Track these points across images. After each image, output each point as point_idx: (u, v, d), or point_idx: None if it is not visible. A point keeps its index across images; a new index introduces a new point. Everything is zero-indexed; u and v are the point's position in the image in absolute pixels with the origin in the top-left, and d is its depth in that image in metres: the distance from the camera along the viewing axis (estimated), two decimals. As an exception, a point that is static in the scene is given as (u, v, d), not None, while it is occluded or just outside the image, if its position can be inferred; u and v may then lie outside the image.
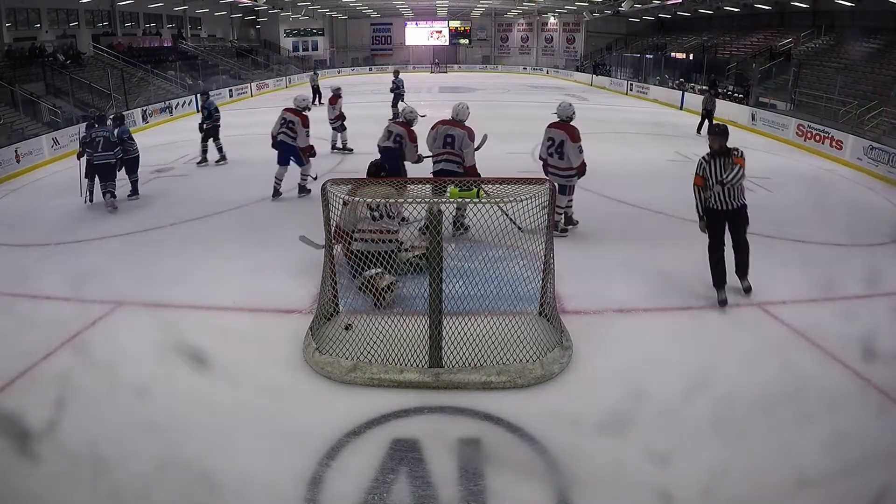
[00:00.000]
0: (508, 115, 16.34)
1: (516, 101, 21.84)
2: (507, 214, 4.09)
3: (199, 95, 11.44)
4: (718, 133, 4.83)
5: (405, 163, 6.87)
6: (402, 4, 38.84)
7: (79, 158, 8.19)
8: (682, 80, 22.32)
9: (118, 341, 4.43)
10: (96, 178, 7.87)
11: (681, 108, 19.79)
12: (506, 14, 42.05)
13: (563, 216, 6.54)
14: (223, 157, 10.49)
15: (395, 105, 15.22)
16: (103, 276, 5.55)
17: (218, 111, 10.43)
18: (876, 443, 3.32)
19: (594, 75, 30.50)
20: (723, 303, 4.84)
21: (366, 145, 10.75)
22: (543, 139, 6.44)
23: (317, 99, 18.17)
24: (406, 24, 43.50)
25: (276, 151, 7.97)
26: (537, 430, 3.35)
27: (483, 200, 4.05)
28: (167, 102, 17.83)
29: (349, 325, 4.29)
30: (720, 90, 17.71)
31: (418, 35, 43.69)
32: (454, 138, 6.23)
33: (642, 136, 14.41)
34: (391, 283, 4.69)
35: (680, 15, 31.00)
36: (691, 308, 4.89)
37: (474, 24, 43.35)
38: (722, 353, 4.29)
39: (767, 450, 3.24)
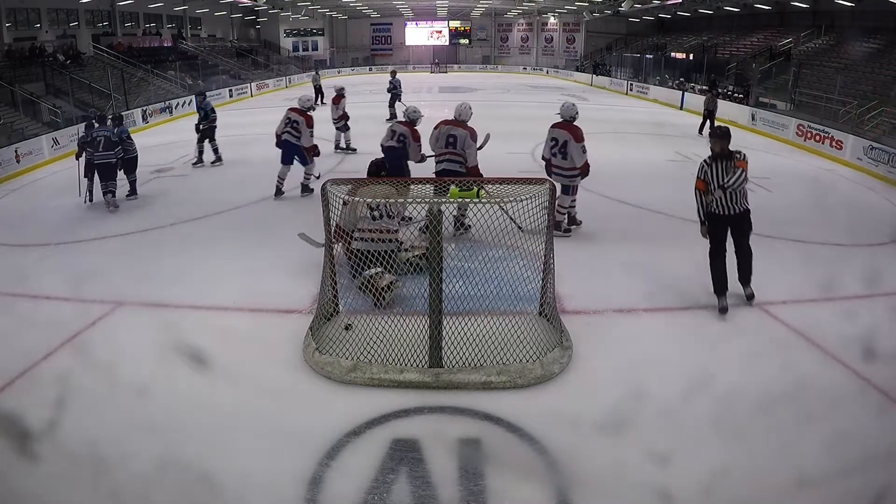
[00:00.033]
0: (508, 115, 16.34)
1: (516, 101, 21.84)
2: (508, 215, 4.10)
3: (196, 96, 11.41)
4: (720, 135, 4.71)
5: (409, 162, 6.89)
6: (402, 4, 38.84)
7: (77, 158, 8.20)
8: (682, 79, 22.31)
9: (118, 341, 4.43)
10: (96, 178, 7.89)
11: (681, 108, 19.79)
12: (506, 14, 42.04)
13: (566, 216, 6.54)
14: (219, 159, 10.46)
15: (392, 105, 15.22)
16: (103, 276, 5.55)
17: (214, 112, 10.42)
18: (876, 443, 3.32)
19: (594, 75, 30.49)
20: (723, 310, 4.72)
21: (366, 145, 10.78)
22: (547, 139, 6.44)
23: (319, 99, 18.17)
24: (406, 24, 43.50)
25: (280, 151, 8.02)
26: (537, 430, 3.35)
27: (484, 200, 4.05)
28: (167, 102, 17.83)
29: (349, 325, 4.29)
30: (720, 90, 17.70)
31: (418, 35, 43.69)
32: (456, 138, 6.24)
33: (642, 136, 14.40)
34: (391, 283, 4.69)
35: (680, 15, 31.00)
36: (691, 308, 4.89)
37: (474, 24, 43.35)
38: (722, 353, 4.29)
39: (767, 450, 3.24)
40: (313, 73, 24.46)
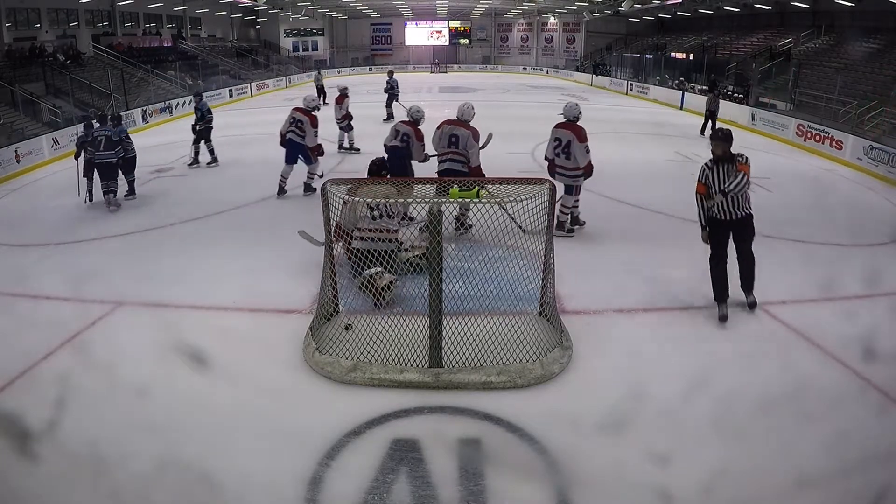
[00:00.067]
0: (508, 115, 16.34)
1: (516, 101, 21.84)
2: (510, 216, 4.10)
3: (193, 97, 11.41)
4: (721, 138, 4.53)
5: (412, 162, 6.90)
6: (402, 4, 38.83)
7: (76, 158, 8.21)
8: (682, 79, 22.31)
9: (118, 341, 4.43)
10: (95, 178, 7.89)
11: (681, 108, 19.80)
12: (506, 14, 42.04)
13: (569, 216, 6.55)
14: (214, 159, 10.44)
15: (388, 105, 15.21)
16: (103, 276, 5.55)
17: (210, 112, 10.41)
18: (876, 443, 3.31)
19: (594, 75, 30.50)
20: (723, 319, 4.58)
21: (366, 145, 10.80)
22: (550, 139, 6.45)
23: (322, 99, 18.17)
24: (406, 25, 43.49)
25: (284, 150, 8.06)
26: (537, 430, 3.35)
27: (484, 200, 4.05)
28: (167, 102, 17.84)
29: (349, 325, 4.29)
30: (720, 90, 17.70)
31: (418, 35, 43.68)
32: (458, 138, 6.25)
33: (642, 136, 14.40)
34: (390, 282, 4.69)
35: (680, 15, 31.00)
36: (691, 308, 4.89)
37: (474, 24, 43.34)
38: (722, 353, 4.29)
39: (767, 450, 3.24)
40: (315, 72, 24.43)
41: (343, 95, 11.30)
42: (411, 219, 5.11)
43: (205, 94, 13.07)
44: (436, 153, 6.53)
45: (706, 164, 4.61)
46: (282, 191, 8.17)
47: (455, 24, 43.22)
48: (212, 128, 10.34)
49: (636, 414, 3.53)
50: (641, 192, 8.29)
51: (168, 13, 29.32)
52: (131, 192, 8.36)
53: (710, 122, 13.49)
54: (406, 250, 5.06)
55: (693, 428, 3.40)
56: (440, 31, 43.49)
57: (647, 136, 14.39)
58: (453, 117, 6.47)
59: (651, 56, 27.02)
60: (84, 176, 8.08)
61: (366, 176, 5.59)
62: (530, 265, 4.26)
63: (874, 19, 18.81)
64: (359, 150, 11.17)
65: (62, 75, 16.83)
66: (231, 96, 22.62)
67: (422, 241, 4.69)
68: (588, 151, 6.22)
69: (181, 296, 5.10)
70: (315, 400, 3.74)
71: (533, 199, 4.00)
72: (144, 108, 16.56)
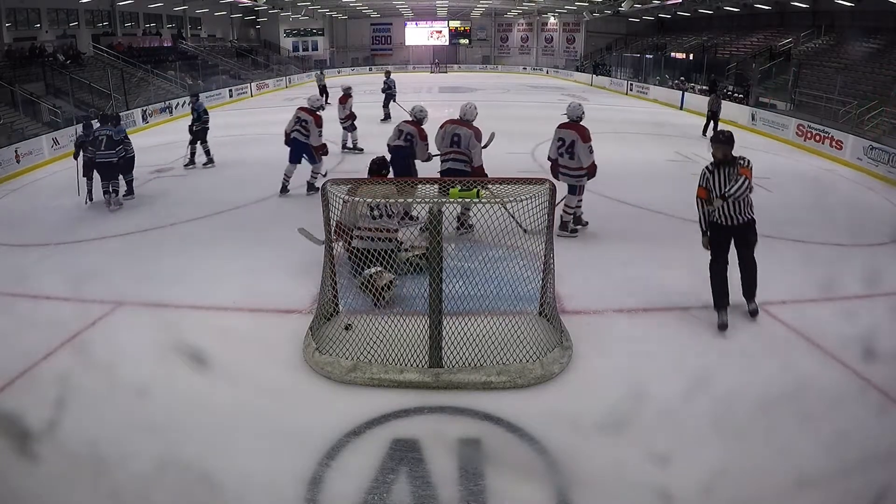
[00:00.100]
0: (508, 115, 16.33)
1: (516, 101, 21.84)
2: (512, 216, 4.10)
3: (190, 97, 11.39)
4: (723, 141, 4.39)
5: (415, 161, 6.90)
6: (402, 4, 38.83)
7: (75, 158, 8.21)
8: (682, 79, 22.31)
9: (118, 341, 4.43)
10: (95, 178, 7.89)
11: (681, 108, 19.79)
12: (506, 14, 42.03)
13: (572, 216, 6.55)
14: (210, 160, 10.42)
15: (386, 105, 15.20)
16: (103, 276, 5.55)
17: (207, 113, 10.37)
18: (876, 443, 3.31)
19: (594, 75, 30.49)
20: (723, 327, 4.45)
21: (366, 145, 10.80)
22: (553, 139, 6.46)
23: (324, 98, 18.14)
24: (406, 25, 43.48)
25: (288, 149, 8.09)
26: (537, 430, 3.35)
27: (485, 200, 4.05)
28: (167, 102, 17.83)
29: (349, 325, 4.29)
30: (722, 91, 17.70)
31: (418, 35, 43.67)
32: (461, 137, 6.27)
33: (642, 136, 14.40)
34: (390, 282, 4.69)
35: (680, 15, 31.00)
36: (691, 308, 4.88)
37: (474, 24, 43.33)
38: (722, 352, 4.29)
39: (767, 450, 3.24)
40: (317, 72, 24.38)
41: (347, 95, 11.30)
42: (413, 219, 5.12)
43: (205, 95, 13.08)
44: (439, 153, 6.54)
45: (707, 167, 4.50)
46: (284, 189, 8.19)
47: (455, 24, 43.21)
48: (208, 129, 10.30)
49: (636, 414, 3.52)
50: (641, 192, 8.29)
51: (168, 13, 29.32)
52: (130, 192, 8.36)
53: (711, 123, 13.48)
54: (406, 250, 5.07)
55: (693, 428, 3.40)
56: (440, 31, 43.48)
57: (647, 136, 14.39)
58: (455, 117, 6.47)
59: (651, 56, 27.01)
60: (84, 176, 8.08)
61: (366, 175, 5.60)
62: (530, 265, 4.26)
63: (874, 19, 18.81)
64: (362, 150, 11.15)
65: (62, 75, 16.83)
66: (231, 96, 22.61)
67: (422, 240, 4.69)
68: (592, 151, 6.23)
69: (181, 296, 5.10)
70: (315, 400, 3.74)
71: (533, 199, 4.00)
72: (144, 108, 16.56)
